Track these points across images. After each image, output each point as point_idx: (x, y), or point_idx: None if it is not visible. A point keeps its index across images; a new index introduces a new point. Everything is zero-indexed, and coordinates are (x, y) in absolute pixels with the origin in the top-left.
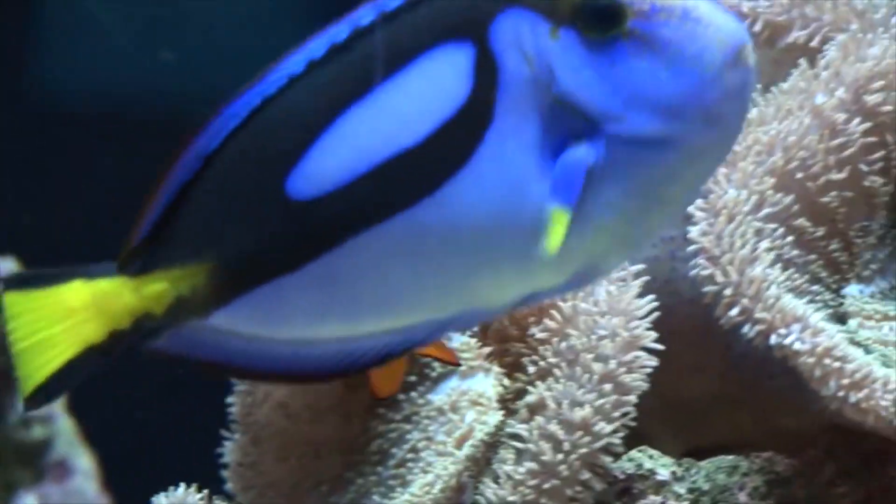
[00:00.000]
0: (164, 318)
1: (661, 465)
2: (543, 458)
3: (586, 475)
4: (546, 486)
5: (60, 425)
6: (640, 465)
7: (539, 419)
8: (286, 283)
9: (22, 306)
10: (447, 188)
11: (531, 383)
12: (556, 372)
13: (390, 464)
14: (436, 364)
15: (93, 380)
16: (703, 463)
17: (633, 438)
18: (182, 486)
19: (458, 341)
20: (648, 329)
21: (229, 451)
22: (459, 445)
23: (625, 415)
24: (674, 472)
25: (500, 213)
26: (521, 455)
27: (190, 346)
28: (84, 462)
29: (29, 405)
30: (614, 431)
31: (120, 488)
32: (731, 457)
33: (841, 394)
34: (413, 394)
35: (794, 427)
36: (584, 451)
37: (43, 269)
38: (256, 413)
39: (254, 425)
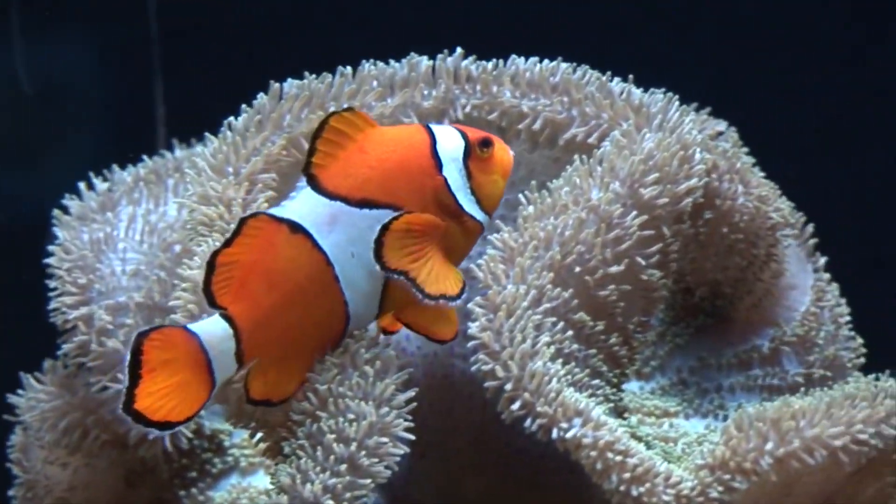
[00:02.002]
0: None
1: None
2: None
3: None
4: None
5: None
6: None
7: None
8: None
9: None
10: None
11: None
12: (301, 452)
13: None
14: (216, 460)
15: None
16: None
17: None
18: None
19: (239, 437)
20: (403, 418)
21: None
22: None
23: (358, 497)
24: None
25: None
26: None
27: None
28: None
29: None
30: None
31: None
32: None
33: (623, 487)
34: (193, 490)
35: None
36: None
37: None
38: None
39: None
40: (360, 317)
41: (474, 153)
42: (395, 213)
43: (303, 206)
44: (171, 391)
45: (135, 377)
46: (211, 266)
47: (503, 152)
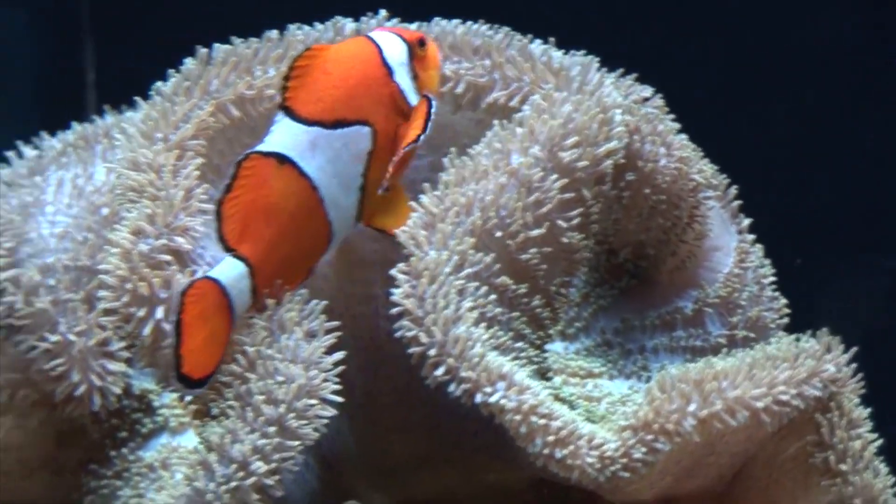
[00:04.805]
0: None
1: None
2: (196, 484)
3: None
4: None
5: None
6: None
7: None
8: None
9: None
10: None
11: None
12: (230, 412)
13: None
14: (146, 420)
15: None
16: None
17: (341, 496)
18: None
19: (167, 397)
20: (331, 381)
21: None
22: None
23: (286, 459)
24: None
25: None
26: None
27: None
28: None
29: None
30: (270, 472)
31: None
32: None
33: (547, 450)
34: (124, 450)
35: (501, 482)
36: (234, 484)
37: None
38: None
39: None
40: (340, 233)
41: (416, 54)
42: (370, 133)
43: (284, 137)
44: (204, 345)
45: (178, 337)
46: (219, 214)
47: (434, 46)
